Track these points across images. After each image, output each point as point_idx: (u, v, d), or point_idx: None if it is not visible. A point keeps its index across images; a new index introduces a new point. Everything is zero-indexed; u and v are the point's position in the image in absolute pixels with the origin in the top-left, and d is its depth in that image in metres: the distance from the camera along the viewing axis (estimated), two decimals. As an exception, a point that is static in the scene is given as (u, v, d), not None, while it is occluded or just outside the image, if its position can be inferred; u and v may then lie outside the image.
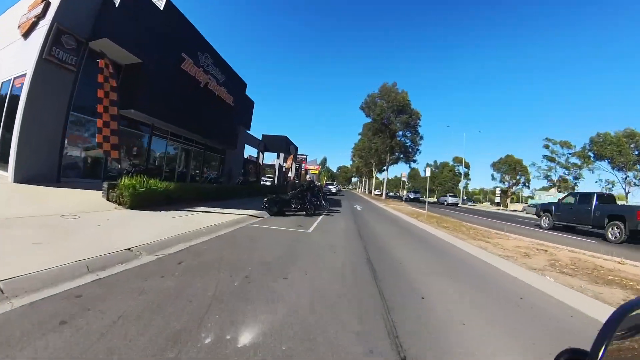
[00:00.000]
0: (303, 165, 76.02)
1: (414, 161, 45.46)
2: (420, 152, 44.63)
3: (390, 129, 42.10)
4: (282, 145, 40.03)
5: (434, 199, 55.67)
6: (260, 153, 38.72)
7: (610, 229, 14.07)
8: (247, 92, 27.75)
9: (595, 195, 15.77)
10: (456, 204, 48.27)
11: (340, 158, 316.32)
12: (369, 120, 45.16)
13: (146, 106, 15.10)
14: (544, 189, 65.06)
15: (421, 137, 43.47)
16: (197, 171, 21.66)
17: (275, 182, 40.73)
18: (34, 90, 11.43)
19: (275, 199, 13.03)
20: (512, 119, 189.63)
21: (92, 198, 10.30)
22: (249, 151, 33.13)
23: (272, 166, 48.79)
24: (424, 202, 55.16)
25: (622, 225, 13.54)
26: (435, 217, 18.53)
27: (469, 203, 72.29)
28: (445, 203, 47.81)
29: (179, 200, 12.10)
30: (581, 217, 16.07)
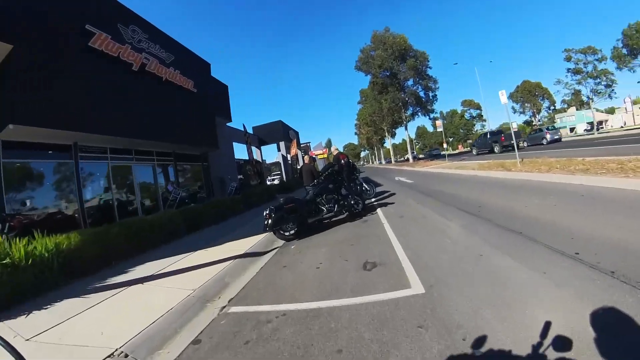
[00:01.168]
0: (309, 152, 69.87)
1: (433, 111, 38.27)
2: (437, 100, 37.49)
3: (398, 78, 35.32)
4: (279, 132, 33.38)
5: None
6: (257, 149, 32.41)
7: (495, 147, 26.06)
8: (231, 87, 21.47)
9: (489, 132, 29.18)
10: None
11: (345, 136, 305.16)
12: (367, 80, 38.16)
13: (36, 115, 8.72)
14: (558, 111, 57.87)
15: (435, 81, 36.43)
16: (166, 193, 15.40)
17: (284, 178, 34.50)
18: None
19: (288, 205, 6.47)
20: (526, 40, 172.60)
21: None
22: (241, 150, 26.74)
23: (278, 164, 42.54)
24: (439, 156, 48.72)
25: (498, 144, 25.64)
26: (535, 163, 12.09)
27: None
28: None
29: (96, 260, 5.85)
30: (485, 145, 28.35)
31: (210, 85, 18.87)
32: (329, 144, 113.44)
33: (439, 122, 24.23)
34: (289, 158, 34.88)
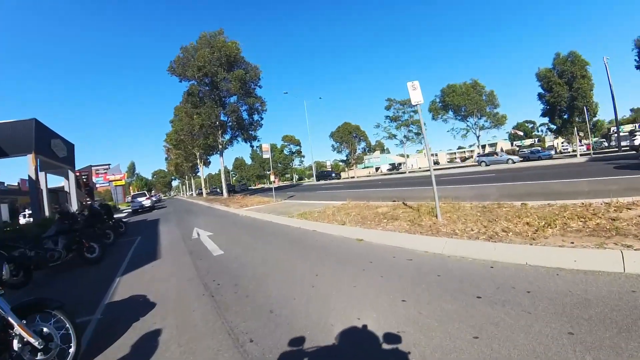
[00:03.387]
0: (98, 177, 54.73)
1: (255, 138, 32.00)
2: (262, 126, 31.54)
3: (219, 90, 27.84)
4: (29, 138, 21.10)
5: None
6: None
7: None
8: None
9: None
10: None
11: (155, 161, 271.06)
12: (184, 88, 29.64)
13: None
14: (364, 153, 63.98)
15: (263, 102, 30.11)
16: None
17: (47, 212, 22.61)
18: None
19: None
20: (356, 86, 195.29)
21: None
22: None
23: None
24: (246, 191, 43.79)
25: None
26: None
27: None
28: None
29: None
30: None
31: None
32: (132, 169, 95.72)
33: (266, 146, 18.20)
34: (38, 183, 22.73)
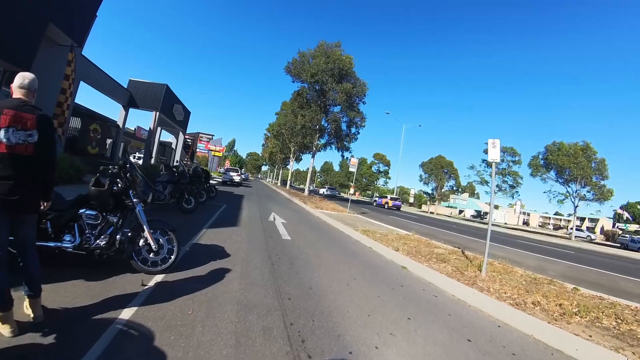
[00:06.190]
0: (201, 143, 60.57)
1: (347, 149, 33.44)
2: (357, 139, 32.95)
3: (326, 97, 29.86)
4: (158, 99, 24.76)
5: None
6: (123, 109, 23.69)
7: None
8: None
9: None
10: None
11: (252, 144, 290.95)
12: (295, 88, 32.13)
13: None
14: (453, 192, 61.51)
15: (363, 118, 31.62)
16: None
17: (153, 160, 26.49)
18: None
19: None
20: (457, 122, 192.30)
21: None
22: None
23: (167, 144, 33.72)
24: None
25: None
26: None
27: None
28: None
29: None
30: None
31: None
32: (231, 145, 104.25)
33: (354, 161, 19.37)
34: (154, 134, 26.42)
